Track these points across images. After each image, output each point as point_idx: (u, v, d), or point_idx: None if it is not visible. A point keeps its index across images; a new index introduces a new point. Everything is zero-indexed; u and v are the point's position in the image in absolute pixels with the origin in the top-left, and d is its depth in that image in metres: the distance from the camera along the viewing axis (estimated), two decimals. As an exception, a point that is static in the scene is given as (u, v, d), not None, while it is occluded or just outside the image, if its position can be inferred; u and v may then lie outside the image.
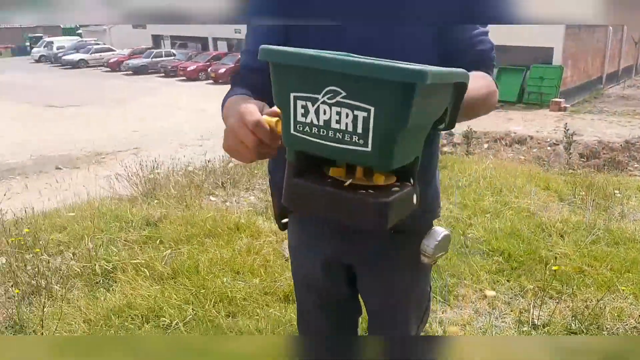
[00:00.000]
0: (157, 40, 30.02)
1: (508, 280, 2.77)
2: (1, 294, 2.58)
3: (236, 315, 2.41)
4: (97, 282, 2.73)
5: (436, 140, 1.10)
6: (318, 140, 0.67)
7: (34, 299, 2.50)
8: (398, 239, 1.06)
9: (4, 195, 4.63)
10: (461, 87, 0.72)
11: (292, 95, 0.67)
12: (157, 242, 3.23)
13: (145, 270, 2.78)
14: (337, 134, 0.64)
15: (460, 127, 7.27)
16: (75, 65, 28.03)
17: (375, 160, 0.64)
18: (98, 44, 30.44)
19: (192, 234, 3.31)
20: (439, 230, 1.04)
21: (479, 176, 4.92)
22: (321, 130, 0.66)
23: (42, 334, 2.16)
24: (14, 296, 2.51)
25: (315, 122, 0.66)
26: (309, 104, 0.66)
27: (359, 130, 0.62)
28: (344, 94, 0.62)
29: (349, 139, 0.63)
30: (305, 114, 0.67)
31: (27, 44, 37.27)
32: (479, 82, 0.89)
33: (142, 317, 2.36)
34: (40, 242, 3.09)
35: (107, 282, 2.75)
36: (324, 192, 0.70)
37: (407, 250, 1.07)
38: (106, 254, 2.99)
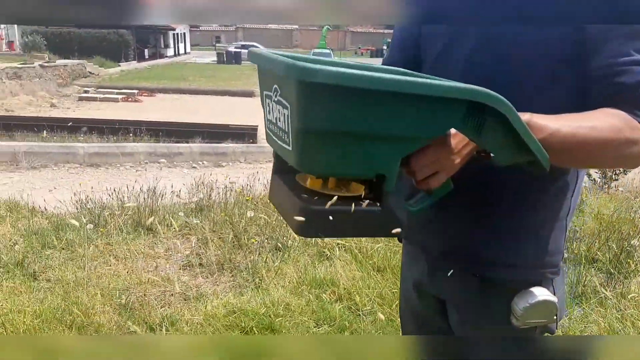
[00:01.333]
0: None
1: None
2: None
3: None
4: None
5: (537, 186, 0.87)
6: (274, 138, 0.71)
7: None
8: (485, 287, 0.93)
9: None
10: (492, 111, 0.63)
11: (263, 93, 0.72)
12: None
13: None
14: (280, 131, 0.67)
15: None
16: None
17: (295, 160, 0.64)
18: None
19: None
20: (536, 293, 0.89)
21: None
22: (273, 127, 0.70)
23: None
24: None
25: (271, 119, 0.70)
26: (268, 101, 0.70)
27: (285, 128, 0.64)
28: (279, 92, 0.65)
29: (284, 137, 0.66)
30: (268, 111, 0.71)
31: (384, 47, 41.47)
32: (591, 120, 0.74)
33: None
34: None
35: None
36: (281, 191, 0.74)
37: (496, 304, 0.93)
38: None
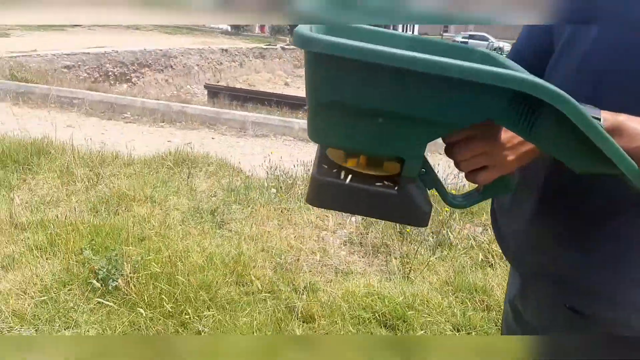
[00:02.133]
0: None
1: None
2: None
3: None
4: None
5: None
6: None
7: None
8: (575, 321, 0.78)
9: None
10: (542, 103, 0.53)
11: None
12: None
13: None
14: None
15: None
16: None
17: (308, 129, 0.63)
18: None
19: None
20: None
21: None
22: None
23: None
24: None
25: None
26: None
27: None
28: None
29: None
30: None
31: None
32: None
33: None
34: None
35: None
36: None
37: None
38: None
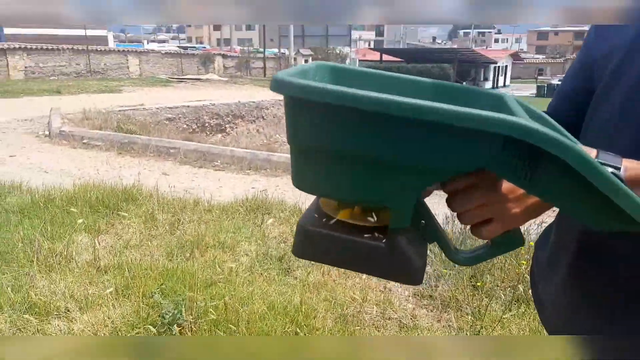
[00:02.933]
0: None
1: None
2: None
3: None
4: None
5: None
6: None
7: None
8: None
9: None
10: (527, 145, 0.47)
11: None
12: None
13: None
14: None
15: None
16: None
17: (291, 175, 0.61)
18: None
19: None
20: None
21: None
22: None
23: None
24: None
25: None
26: None
27: None
28: None
29: None
30: None
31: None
32: None
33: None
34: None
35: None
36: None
37: None
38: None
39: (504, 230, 0.59)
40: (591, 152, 0.52)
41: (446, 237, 0.64)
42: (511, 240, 0.61)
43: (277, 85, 0.52)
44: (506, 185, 0.57)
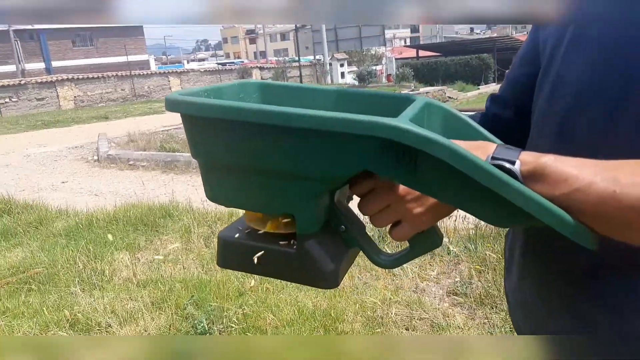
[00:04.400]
0: None
1: None
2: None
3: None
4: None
5: None
6: None
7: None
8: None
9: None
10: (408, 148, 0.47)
11: None
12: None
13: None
14: None
15: None
16: None
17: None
18: None
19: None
20: None
21: None
22: None
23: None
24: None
25: None
26: None
27: None
28: None
29: None
30: None
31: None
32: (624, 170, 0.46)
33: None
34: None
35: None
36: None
37: None
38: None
39: (414, 232, 0.59)
40: (490, 148, 0.51)
41: (369, 241, 0.64)
42: (426, 240, 0.61)
43: (170, 105, 0.55)
44: (403, 186, 0.56)
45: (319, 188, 0.56)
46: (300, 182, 0.55)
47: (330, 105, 0.71)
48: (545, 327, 0.65)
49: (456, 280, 2.99)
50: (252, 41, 69.20)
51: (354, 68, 25.67)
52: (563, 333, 0.62)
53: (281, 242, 0.61)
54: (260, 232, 0.63)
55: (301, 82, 24.80)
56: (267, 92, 0.73)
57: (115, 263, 3.32)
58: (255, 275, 2.97)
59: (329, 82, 25.98)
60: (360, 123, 0.48)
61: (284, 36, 70.01)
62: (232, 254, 0.64)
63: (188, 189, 5.87)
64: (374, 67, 22.45)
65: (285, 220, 0.62)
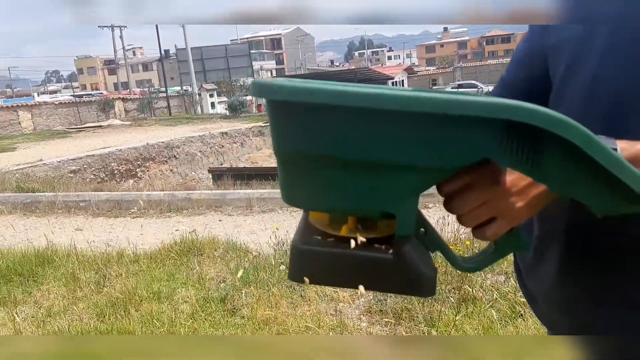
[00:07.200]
0: None
1: None
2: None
3: None
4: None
5: None
6: None
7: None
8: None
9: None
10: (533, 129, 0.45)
11: None
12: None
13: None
14: None
15: None
16: None
17: (280, 190, 0.56)
18: None
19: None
20: None
21: None
22: None
23: None
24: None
25: None
26: None
27: None
28: None
29: None
30: None
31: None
32: None
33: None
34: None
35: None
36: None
37: None
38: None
39: (509, 228, 0.57)
40: None
41: (447, 245, 0.61)
42: (516, 239, 0.58)
43: (258, 90, 0.48)
44: (508, 177, 0.55)
45: (427, 182, 0.51)
46: (406, 176, 0.50)
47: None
48: (595, 322, 0.67)
49: (369, 299, 3.03)
50: (112, 72, 65.44)
51: (224, 98, 25.50)
52: (617, 322, 0.64)
53: (373, 247, 0.54)
54: (331, 238, 0.56)
55: (170, 113, 23.94)
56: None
57: (-13, 323, 2.82)
58: (163, 319, 2.72)
59: (199, 112, 25.43)
60: (490, 105, 0.44)
61: (146, 66, 67.40)
62: (314, 265, 0.55)
63: (58, 231, 5.26)
64: (244, 97, 22.51)
65: (365, 222, 0.56)
